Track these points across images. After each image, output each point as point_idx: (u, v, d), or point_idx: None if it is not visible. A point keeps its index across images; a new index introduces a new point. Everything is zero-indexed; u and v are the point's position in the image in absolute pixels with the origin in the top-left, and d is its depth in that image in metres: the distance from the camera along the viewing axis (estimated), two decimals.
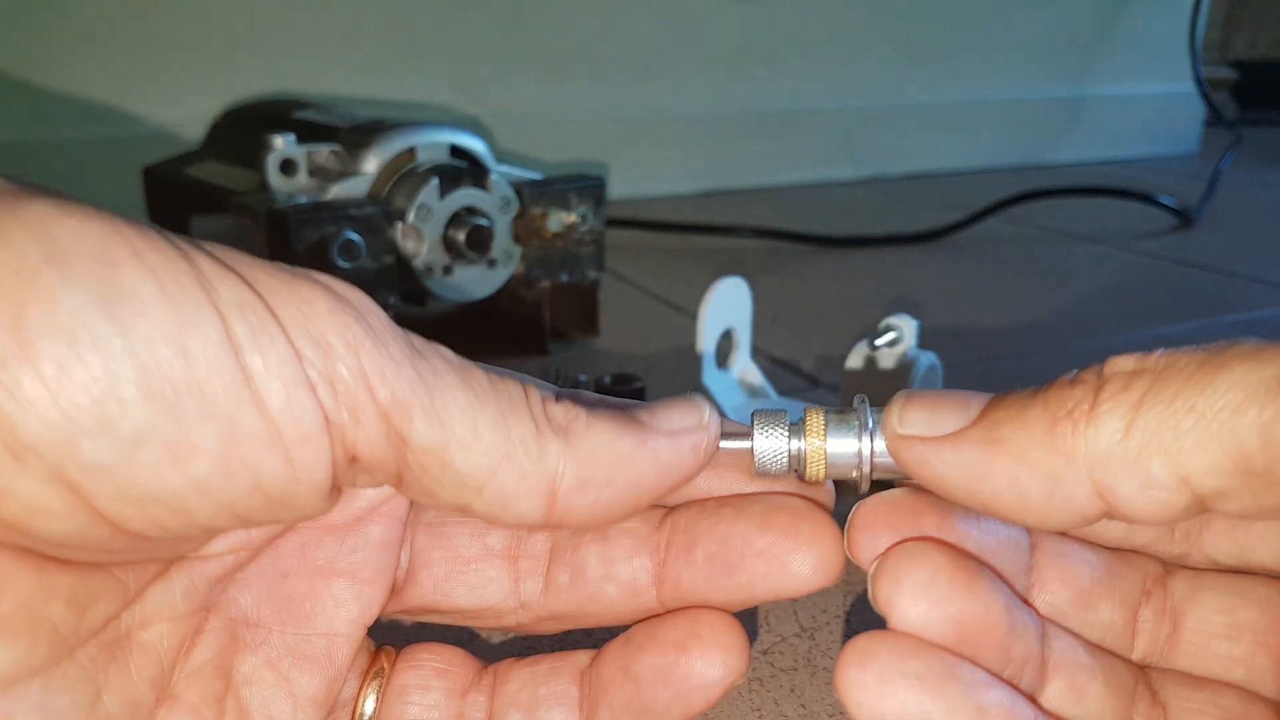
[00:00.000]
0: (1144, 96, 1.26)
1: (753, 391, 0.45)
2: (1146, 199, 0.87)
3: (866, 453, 0.17)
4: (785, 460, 0.18)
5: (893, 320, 0.38)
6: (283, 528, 0.18)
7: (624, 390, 0.44)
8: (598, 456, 0.16)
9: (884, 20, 1.06)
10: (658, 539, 0.19)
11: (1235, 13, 1.68)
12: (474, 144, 0.52)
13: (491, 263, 0.50)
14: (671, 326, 0.59)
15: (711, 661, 0.18)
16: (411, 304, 0.51)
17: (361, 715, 0.19)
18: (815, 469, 0.18)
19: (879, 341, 0.38)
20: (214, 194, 0.52)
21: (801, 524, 0.18)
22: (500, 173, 0.51)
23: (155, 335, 0.13)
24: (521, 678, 0.20)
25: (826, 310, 0.62)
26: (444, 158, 0.51)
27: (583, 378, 0.47)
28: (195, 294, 0.14)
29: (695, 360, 0.53)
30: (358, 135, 0.50)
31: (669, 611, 0.18)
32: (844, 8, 1.04)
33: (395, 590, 0.19)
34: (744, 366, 0.45)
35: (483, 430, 0.15)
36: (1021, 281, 0.69)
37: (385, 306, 0.47)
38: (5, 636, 0.14)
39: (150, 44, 0.77)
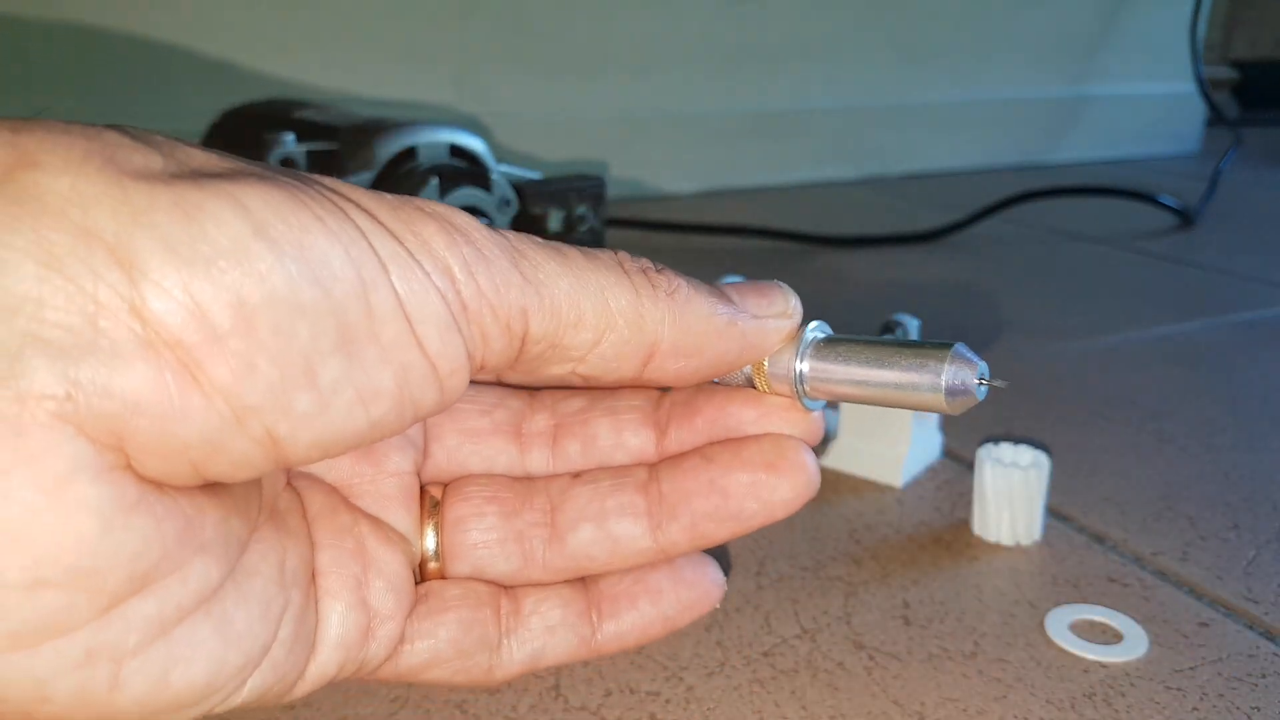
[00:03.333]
0: (1145, 96, 1.26)
1: None
2: (1147, 199, 0.87)
3: (795, 372, 0.19)
4: (740, 374, 0.20)
5: (894, 319, 0.38)
6: None
7: None
8: (692, 329, 0.18)
9: (884, 20, 1.06)
10: (658, 415, 0.21)
11: (1236, 12, 1.68)
12: (474, 143, 0.52)
13: None
14: None
15: (795, 481, 0.20)
16: None
17: (425, 551, 0.21)
18: (759, 381, 0.20)
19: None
20: None
21: (782, 406, 0.20)
22: (500, 172, 0.51)
23: (348, 295, 0.15)
24: (586, 494, 0.21)
25: (827, 310, 0.62)
26: (444, 157, 0.51)
27: None
28: (367, 252, 0.15)
29: None
30: (358, 135, 0.50)
31: (750, 437, 0.20)
32: (844, 8, 1.04)
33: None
34: None
35: (586, 310, 0.17)
36: (1022, 281, 0.70)
37: None
38: (210, 556, 0.15)
39: (150, 43, 0.77)
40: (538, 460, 0.22)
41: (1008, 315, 0.61)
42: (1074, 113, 1.21)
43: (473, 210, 0.49)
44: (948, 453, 0.41)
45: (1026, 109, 1.18)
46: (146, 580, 0.14)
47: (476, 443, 0.22)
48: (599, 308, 0.17)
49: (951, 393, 0.18)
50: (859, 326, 0.59)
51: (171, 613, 0.15)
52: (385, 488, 0.20)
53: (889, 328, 0.38)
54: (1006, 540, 0.34)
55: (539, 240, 0.17)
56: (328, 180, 0.16)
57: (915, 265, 0.74)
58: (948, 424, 0.44)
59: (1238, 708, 0.26)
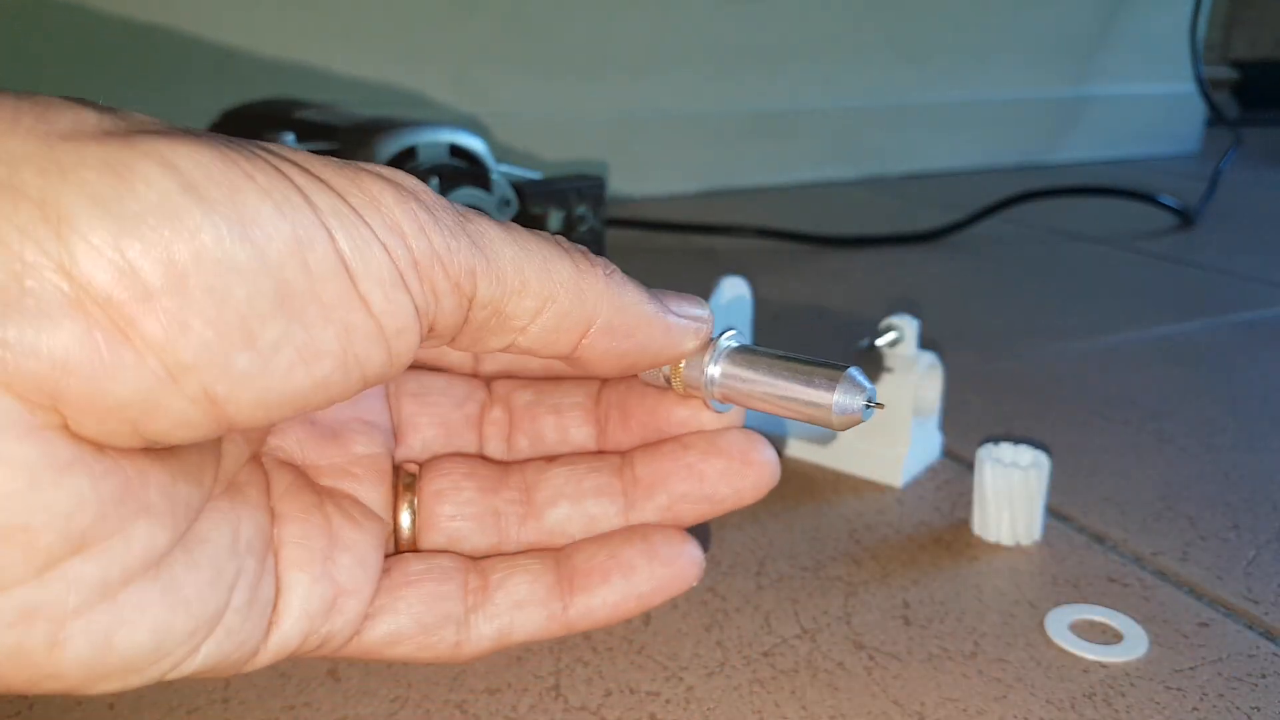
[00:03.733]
0: (1145, 96, 1.26)
1: None
2: (1147, 199, 0.87)
3: (706, 375, 0.20)
4: (659, 373, 0.21)
5: (893, 320, 0.38)
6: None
7: None
8: (626, 309, 0.19)
9: (884, 20, 1.06)
10: (598, 411, 0.23)
11: (1236, 12, 1.68)
12: (474, 143, 0.52)
13: None
14: None
15: (763, 471, 0.21)
16: None
17: (400, 527, 0.21)
18: (676, 383, 0.21)
19: (879, 341, 0.38)
20: None
21: (700, 408, 0.22)
22: (500, 172, 0.51)
23: (283, 253, 0.14)
24: (562, 475, 0.22)
25: (827, 310, 0.62)
26: (444, 157, 0.51)
27: None
28: (304, 211, 0.15)
29: None
30: (358, 135, 0.50)
31: (724, 429, 0.22)
32: (843, 8, 1.04)
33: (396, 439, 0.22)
34: None
35: (530, 277, 0.17)
36: (1022, 281, 0.70)
37: None
38: (156, 520, 0.15)
39: (151, 44, 0.77)
40: (495, 450, 0.23)
41: (1008, 315, 0.61)
42: (1074, 113, 1.21)
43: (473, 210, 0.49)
44: (948, 453, 0.41)
45: (1026, 109, 1.18)
46: (85, 540, 0.14)
47: (451, 434, 0.22)
48: (542, 277, 0.17)
49: (840, 410, 0.19)
50: (858, 326, 0.59)
51: (115, 575, 0.15)
52: (354, 468, 0.21)
53: (884, 330, 0.38)
54: (1006, 540, 0.34)
55: (485, 214, 0.18)
56: (271, 144, 0.15)
57: (915, 265, 0.74)
58: (948, 424, 0.44)
59: (1238, 708, 0.26)
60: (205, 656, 0.17)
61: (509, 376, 0.24)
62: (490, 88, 0.89)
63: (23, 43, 0.74)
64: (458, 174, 0.49)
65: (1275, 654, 0.29)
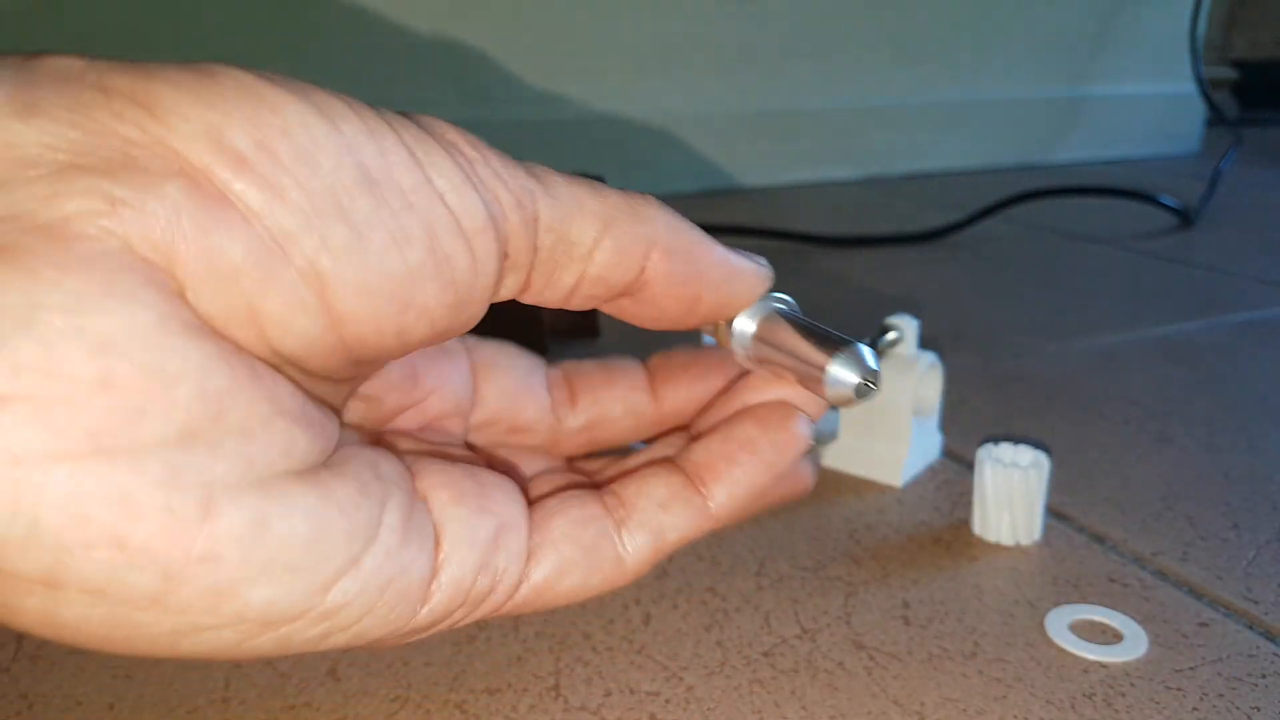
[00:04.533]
0: (1145, 96, 1.26)
1: None
2: (1147, 199, 0.87)
3: (745, 336, 0.21)
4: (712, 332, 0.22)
5: (893, 320, 0.38)
6: (388, 415, 0.22)
7: None
8: (683, 233, 0.19)
9: (884, 20, 1.06)
10: (649, 377, 0.24)
11: (1236, 12, 1.68)
12: None
13: None
14: None
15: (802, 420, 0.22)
16: None
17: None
18: (721, 338, 0.21)
19: (880, 341, 0.38)
20: None
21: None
22: None
23: (359, 136, 0.15)
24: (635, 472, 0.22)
25: (826, 310, 0.62)
26: None
27: None
28: (369, 112, 0.16)
29: None
30: None
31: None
32: (844, 8, 1.04)
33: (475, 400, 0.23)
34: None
35: (585, 200, 0.18)
36: (1022, 281, 0.70)
37: None
38: (294, 423, 0.16)
39: (151, 45, 0.77)
40: (562, 414, 0.24)
41: (1008, 315, 0.62)
42: (1074, 113, 1.21)
43: None
44: (948, 453, 0.42)
45: (1026, 109, 1.18)
46: (223, 411, 0.14)
47: (521, 391, 0.23)
48: (597, 200, 0.18)
49: (832, 381, 0.19)
50: (858, 326, 0.59)
51: (261, 460, 0.15)
52: (458, 447, 0.22)
53: (884, 330, 0.38)
54: (1006, 540, 0.34)
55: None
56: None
57: (915, 265, 0.74)
58: (948, 424, 0.44)
59: (1238, 708, 0.26)
60: (370, 576, 0.16)
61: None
62: (491, 89, 0.90)
63: (27, 45, 0.74)
64: None
65: (1275, 654, 0.29)
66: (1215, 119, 1.23)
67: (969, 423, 0.45)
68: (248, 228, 0.14)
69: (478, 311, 0.17)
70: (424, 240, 0.16)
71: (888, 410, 0.38)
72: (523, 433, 0.24)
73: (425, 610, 0.18)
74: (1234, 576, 0.32)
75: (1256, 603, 0.31)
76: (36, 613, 0.14)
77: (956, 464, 0.40)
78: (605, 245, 0.18)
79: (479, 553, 0.18)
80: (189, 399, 0.14)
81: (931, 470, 0.40)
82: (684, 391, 0.23)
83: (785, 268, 0.73)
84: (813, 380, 0.19)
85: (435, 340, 0.17)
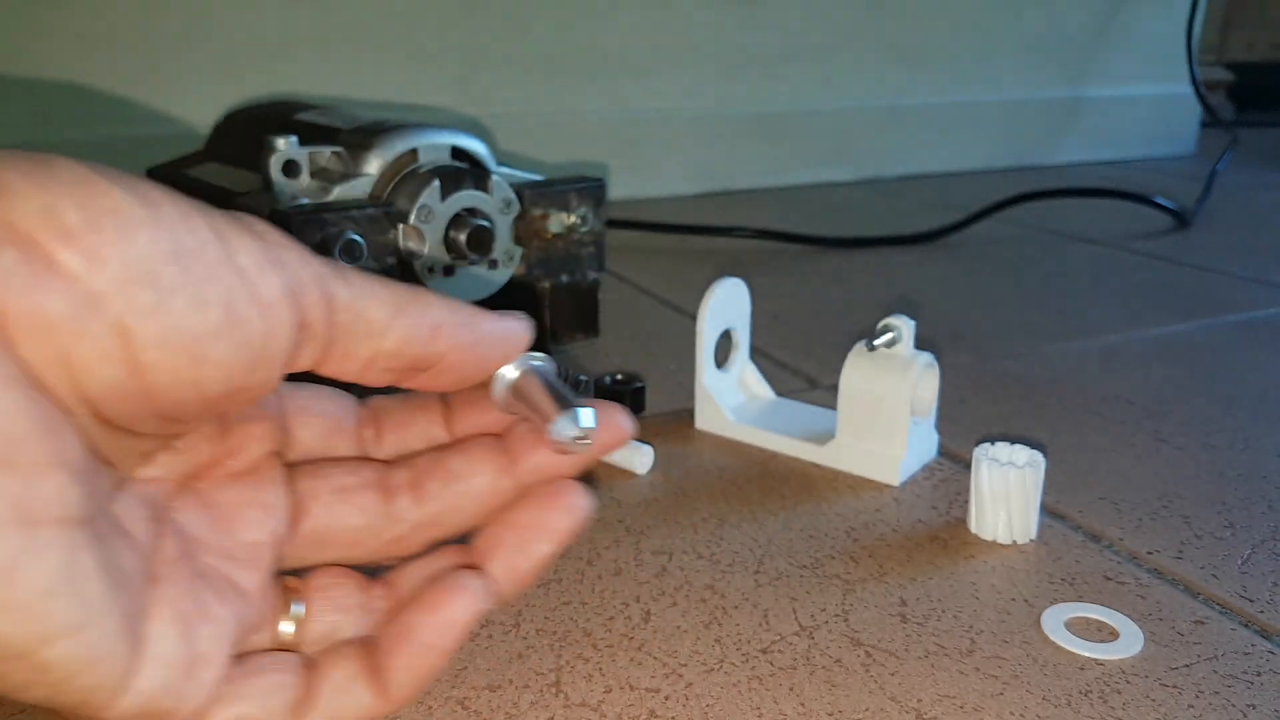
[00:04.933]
0: (1141, 98, 1.26)
1: (751, 392, 0.46)
2: (1143, 200, 0.88)
3: (503, 384, 0.24)
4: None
5: (890, 321, 0.38)
6: (205, 463, 0.23)
7: (625, 390, 0.45)
8: (460, 312, 0.22)
9: (882, 22, 1.07)
10: (499, 448, 0.25)
11: (1232, 14, 1.69)
12: (475, 145, 0.52)
13: (493, 263, 0.51)
14: (671, 327, 0.59)
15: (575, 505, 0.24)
16: None
17: (281, 634, 0.23)
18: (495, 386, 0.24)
19: (877, 342, 0.38)
20: (217, 195, 0.52)
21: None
22: (501, 174, 0.52)
23: (174, 218, 0.18)
24: (416, 568, 0.24)
25: (825, 311, 0.62)
26: (445, 159, 0.51)
27: (583, 377, 0.47)
28: (182, 200, 0.19)
29: (694, 360, 0.53)
30: (360, 137, 0.50)
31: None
32: (842, 10, 1.04)
33: (294, 519, 0.24)
34: (743, 366, 0.45)
35: (376, 288, 0.21)
36: (1018, 282, 0.70)
37: None
38: (72, 476, 0.17)
39: (154, 46, 0.78)
40: (404, 505, 0.25)
41: (1004, 316, 0.62)
42: (1071, 114, 1.22)
43: (473, 212, 0.49)
44: (944, 452, 0.42)
45: (1024, 110, 1.18)
46: (11, 456, 0.16)
47: (349, 498, 0.24)
48: (386, 289, 0.21)
49: (552, 433, 0.22)
50: (857, 327, 0.59)
51: (32, 503, 0.17)
52: (238, 552, 0.23)
53: (884, 330, 0.38)
54: (1003, 538, 0.34)
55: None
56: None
57: (913, 266, 0.74)
58: (944, 424, 0.44)
59: (1233, 704, 0.26)
60: (86, 649, 0.18)
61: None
62: (492, 90, 0.90)
63: (28, 47, 0.74)
64: (459, 176, 0.49)
65: (1270, 652, 0.29)
66: (1211, 121, 1.24)
67: (966, 422, 0.45)
68: (69, 288, 0.17)
69: (274, 374, 0.19)
70: (221, 305, 0.18)
71: (885, 410, 0.38)
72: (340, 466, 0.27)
73: (114, 705, 0.19)
74: (1229, 575, 0.33)
75: (1252, 601, 0.31)
76: None
77: (953, 463, 0.41)
78: (398, 324, 0.21)
79: (170, 673, 0.20)
80: None
81: (928, 469, 0.40)
82: (473, 421, 0.26)
83: (784, 269, 0.73)
84: (542, 429, 0.23)
85: (237, 397, 0.19)
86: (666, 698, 0.26)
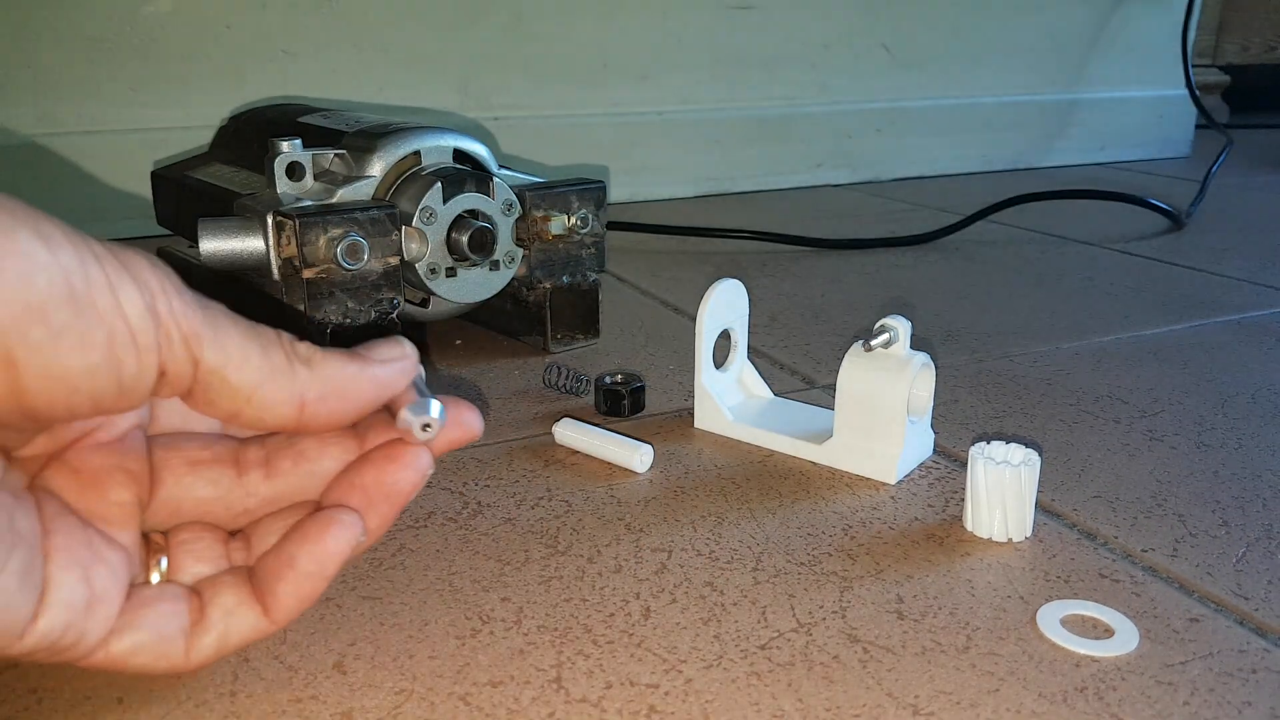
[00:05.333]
0: (1136, 100, 1.27)
1: (749, 391, 0.46)
2: (1138, 201, 0.88)
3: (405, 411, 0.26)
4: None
5: (887, 321, 0.39)
6: (75, 438, 0.25)
7: (625, 389, 0.45)
8: (333, 378, 0.24)
9: (879, 25, 1.07)
10: (351, 433, 0.27)
11: (1227, 17, 1.69)
12: (477, 148, 0.52)
13: (494, 265, 0.51)
14: (670, 327, 0.59)
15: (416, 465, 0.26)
16: (415, 305, 0.52)
17: (149, 577, 0.26)
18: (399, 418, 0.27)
19: (874, 342, 0.38)
20: (220, 196, 0.52)
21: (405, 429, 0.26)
22: (502, 176, 0.52)
23: (70, 262, 0.20)
24: (272, 521, 0.27)
25: (822, 312, 0.63)
26: (447, 162, 0.51)
27: (583, 377, 0.47)
28: (84, 245, 0.21)
29: (693, 360, 0.53)
30: (363, 140, 0.50)
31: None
32: (839, 13, 1.04)
33: (151, 488, 0.26)
34: (741, 366, 0.46)
35: (250, 356, 0.23)
36: (1014, 283, 0.70)
37: (391, 306, 0.47)
38: None
39: (159, 48, 0.78)
40: (254, 480, 0.27)
41: (1000, 316, 0.62)
42: (1066, 117, 1.22)
43: (475, 214, 0.50)
44: (940, 450, 0.42)
45: (1020, 113, 1.19)
46: None
47: (200, 470, 0.26)
48: (259, 357, 0.23)
49: (401, 421, 0.25)
50: (853, 327, 0.59)
51: None
52: (111, 512, 0.25)
53: (880, 331, 0.38)
54: (999, 536, 0.35)
55: (224, 308, 0.23)
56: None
57: (909, 267, 0.74)
58: (940, 423, 0.45)
59: (1229, 702, 0.27)
60: None
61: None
62: (493, 93, 0.90)
63: (31, 47, 0.74)
64: (461, 178, 0.49)
65: (1266, 650, 0.29)
66: (1206, 123, 1.24)
67: (961, 421, 0.45)
68: None
69: (138, 401, 0.22)
70: (103, 346, 0.20)
71: (881, 409, 0.38)
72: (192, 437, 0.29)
73: (19, 644, 0.22)
74: (1224, 573, 0.33)
75: (1247, 599, 0.31)
76: None
77: (949, 462, 0.41)
78: (260, 394, 0.23)
79: (71, 613, 0.23)
80: None
81: (924, 468, 0.40)
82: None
83: (782, 270, 0.73)
84: (393, 418, 0.26)
85: (97, 415, 0.22)
86: (666, 693, 0.27)
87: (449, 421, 0.26)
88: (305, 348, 0.24)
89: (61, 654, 0.23)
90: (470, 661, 0.28)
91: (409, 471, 0.26)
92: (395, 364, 0.25)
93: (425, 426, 0.25)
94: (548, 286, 0.53)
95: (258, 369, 0.23)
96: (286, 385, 0.23)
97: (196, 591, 0.25)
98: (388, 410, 0.26)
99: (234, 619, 0.25)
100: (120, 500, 0.25)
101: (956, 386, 0.50)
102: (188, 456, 0.26)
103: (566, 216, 0.52)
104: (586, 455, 0.41)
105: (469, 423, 0.27)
